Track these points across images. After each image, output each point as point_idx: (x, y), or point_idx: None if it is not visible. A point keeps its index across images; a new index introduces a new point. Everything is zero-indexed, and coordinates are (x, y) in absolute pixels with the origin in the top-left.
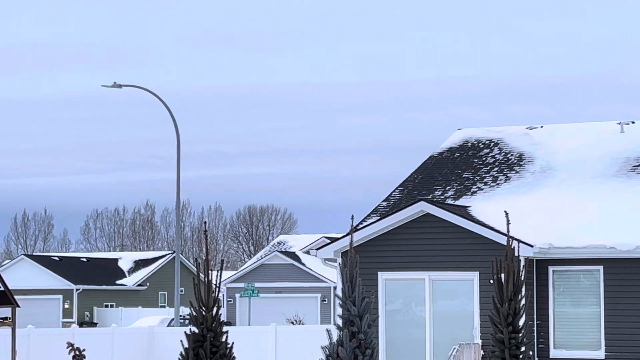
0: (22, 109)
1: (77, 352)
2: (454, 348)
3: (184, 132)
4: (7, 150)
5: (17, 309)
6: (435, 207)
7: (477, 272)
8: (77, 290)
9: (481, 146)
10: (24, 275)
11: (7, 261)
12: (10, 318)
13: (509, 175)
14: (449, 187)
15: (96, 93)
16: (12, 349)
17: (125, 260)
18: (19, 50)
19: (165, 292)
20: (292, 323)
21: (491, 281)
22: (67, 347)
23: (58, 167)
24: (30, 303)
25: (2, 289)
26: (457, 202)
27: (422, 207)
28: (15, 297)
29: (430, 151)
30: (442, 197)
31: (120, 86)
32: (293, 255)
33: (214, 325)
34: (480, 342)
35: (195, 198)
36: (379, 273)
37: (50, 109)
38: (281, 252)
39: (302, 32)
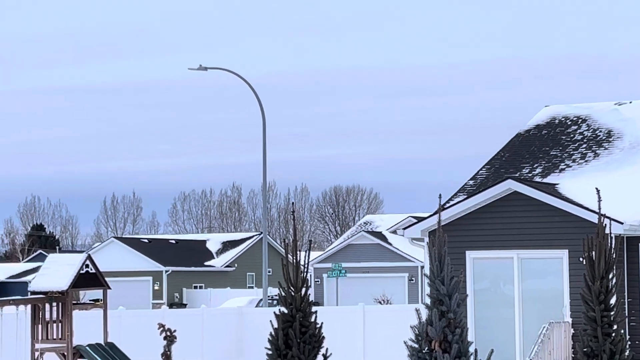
0: (110, 94)
1: (168, 333)
2: (544, 327)
3: (270, 114)
4: (96, 134)
5: (108, 290)
6: (523, 185)
7: (567, 250)
8: (166, 271)
9: (569, 123)
10: (114, 257)
11: (98, 244)
12: (101, 300)
13: (597, 152)
14: (536, 165)
15: (183, 77)
16: (104, 330)
17: (213, 241)
18: (105, 37)
19: (253, 273)
20: (380, 303)
21: (582, 259)
22: (159, 328)
23: (146, 151)
24: (120, 285)
25: (94, 271)
26: (545, 180)
27: (509, 185)
28: (106, 279)
29: (515, 129)
30: (530, 174)
31: (206, 69)
32: (380, 235)
33: (302, 305)
34: (570, 320)
35: (282, 179)
36: (467, 252)
37: (138, 93)
38: (368, 232)
39: (382, 13)
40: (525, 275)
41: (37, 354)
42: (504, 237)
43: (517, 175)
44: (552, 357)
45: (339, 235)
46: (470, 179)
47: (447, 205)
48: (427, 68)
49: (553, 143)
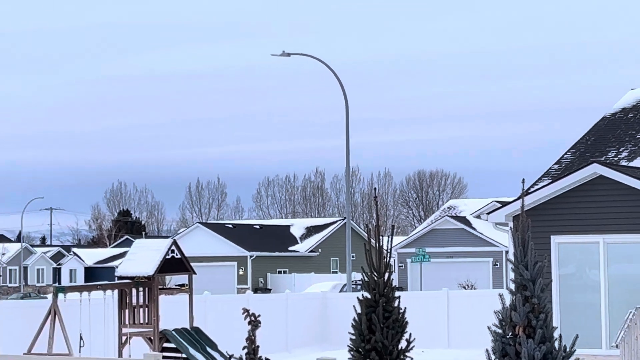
0: (195, 81)
1: (253, 318)
2: (631, 312)
3: (353, 99)
4: (181, 120)
5: (193, 275)
6: (608, 169)
7: None
8: (250, 257)
9: None
10: (199, 242)
11: (183, 229)
12: (187, 285)
13: None
14: (622, 149)
15: (266, 62)
16: (190, 315)
17: (297, 227)
18: (191, 24)
19: (337, 258)
20: (464, 288)
21: None
22: (243, 313)
23: (230, 136)
24: (205, 270)
25: (179, 256)
26: (631, 164)
27: (595, 170)
28: (192, 264)
29: (600, 113)
30: (616, 158)
31: (288, 55)
32: (464, 220)
33: (386, 290)
34: None
35: (365, 164)
36: (552, 236)
37: (222, 79)
38: (452, 216)
39: None
40: (612, 259)
41: (124, 338)
42: (590, 222)
43: (602, 159)
44: (639, 342)
45: (422, 220)
46: (555, 163)
47: (532, 189)
48: (511, 51)
49: (639, 126)
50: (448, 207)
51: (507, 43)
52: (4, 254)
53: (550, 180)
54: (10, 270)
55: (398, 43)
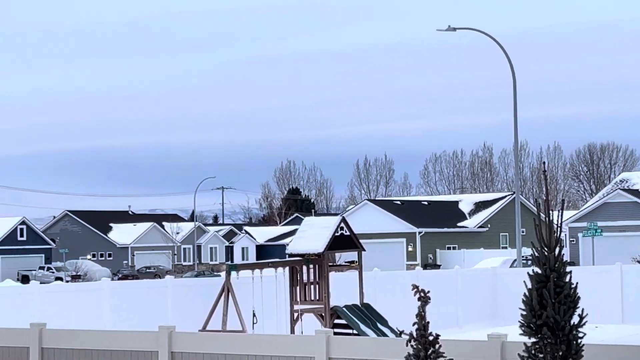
0: (361, 58)
1: (422, 294)
2: None
3: (520, 71)
4: (346, 98)
5: (362, 252)
6: None
7: None
8: (419, 233)
9: None
10: (367, 219)
11: (352, 206)
12: (356, 261)
13: None
14: None
15: (431, 38)
16: (360, 291)
17: (466, 202)
18: (355, 1)
19: (507, 233)
20: (638, 262)
21: None
22: (413, 289)
23: (396, 113)
24: (374, 247)
25: (348, 233)
26: None
27: None
28: (360, 241)
29: None
30: None
31: (454, 29)
32: (637, 193)
33: (557, 265)
34: None
35: (533, 138)
36: None
37: (388, 56)
38: (624, 190)
39: None
40: None
41: (295, 314)
42: None
43: None
44: None
45: (593, 194)
46: None
47: None
48: None
49: None
50: (620, 180)
51: None
52: (178, 233)
53: None
54: (185, 249)
55: (565, 12)
